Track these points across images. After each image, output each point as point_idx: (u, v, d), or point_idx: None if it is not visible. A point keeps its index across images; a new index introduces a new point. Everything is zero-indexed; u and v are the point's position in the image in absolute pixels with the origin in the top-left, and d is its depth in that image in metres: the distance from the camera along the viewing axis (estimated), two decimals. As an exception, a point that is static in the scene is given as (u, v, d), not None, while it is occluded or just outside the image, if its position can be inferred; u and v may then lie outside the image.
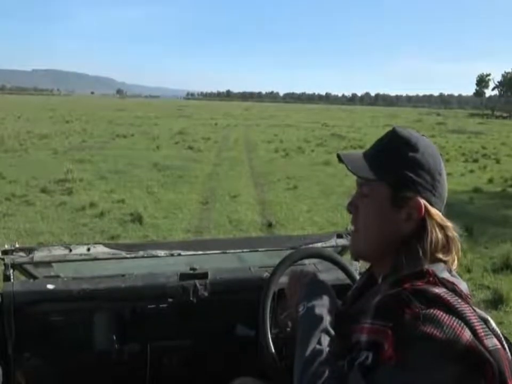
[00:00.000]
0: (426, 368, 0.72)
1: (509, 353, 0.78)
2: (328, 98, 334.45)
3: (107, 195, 8.14)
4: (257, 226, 6.52)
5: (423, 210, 0.87)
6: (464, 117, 62.95)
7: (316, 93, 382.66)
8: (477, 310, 0.79)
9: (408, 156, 0.89)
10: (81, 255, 1.64)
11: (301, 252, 1.44)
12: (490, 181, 11.00)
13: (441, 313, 0.75)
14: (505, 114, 73.42)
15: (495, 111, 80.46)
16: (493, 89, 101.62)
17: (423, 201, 0.88)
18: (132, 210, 6.96)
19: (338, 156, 0.95)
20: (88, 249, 1.66)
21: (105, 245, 1.70)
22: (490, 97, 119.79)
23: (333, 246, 1.86)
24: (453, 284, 0.83)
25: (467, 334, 0.73)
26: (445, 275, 0.85)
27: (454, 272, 0.90)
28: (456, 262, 0.90)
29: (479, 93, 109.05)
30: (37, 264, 1.71)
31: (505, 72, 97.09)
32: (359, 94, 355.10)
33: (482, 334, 0.75)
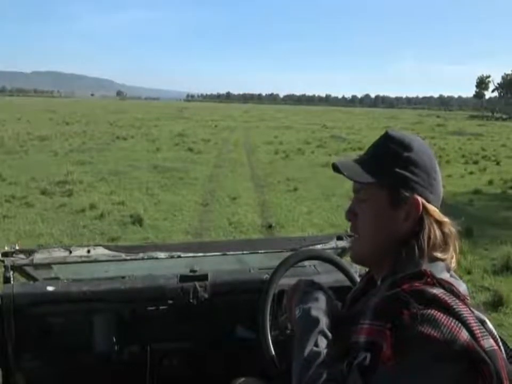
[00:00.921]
0: (424, 369, 0.73)
1: (504, 355, 0.78)
2: (328, 100, 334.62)
3: (107, 197, 8.15)
4: (257, 228, 6.53)
5: (421, 207, 0.89)
6: (464, 119, 62.99)
7: (316, 95, 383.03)
8: (474, 311, 0.80)
9: (403, 156, 0.91)
10: (81, 257, 1.65)
11: (301, 253, 1.44)
12: (490, 182, 11.00)
13: (439, 313, 0.75)
14: (505, 116, 73.44)
15: (495, 113, 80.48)
16: (493, 91, 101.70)
17: (420, 199, 0.89)
18: (132, 212, 6.97)
19: (334, 165, 0.96)
20: (88, 251, 1.66)
21: (105, 247, 1.70)
22: (490, 99, 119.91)
23: (333, 248, 1.86)
24: (450, 284, 0.83)
25: (464, 335, 0.73)
26: (444, 276, 0.86)
27: (453, 273, 0.90)
28: (454, 259, 0.91)
29: (479, 95, 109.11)
30: (37, 266, 1.71)
31: (505, 74, 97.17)
32: (359, 96, 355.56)
33: (479, 334, 0.75)
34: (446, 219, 0.91)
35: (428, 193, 0.90)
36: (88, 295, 1.61)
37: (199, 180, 10.23)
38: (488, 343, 0.75)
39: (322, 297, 1.05)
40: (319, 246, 1.80)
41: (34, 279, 1.79)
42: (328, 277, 1.70)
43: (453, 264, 0.91)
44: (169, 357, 1.72)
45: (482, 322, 0.79)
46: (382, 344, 0.76)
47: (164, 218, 6.90)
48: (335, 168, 0.96)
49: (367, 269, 1.07)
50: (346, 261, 1.59)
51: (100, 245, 1.70)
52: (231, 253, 1.79)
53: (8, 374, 1.56)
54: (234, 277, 1.79)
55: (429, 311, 0.75)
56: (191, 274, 1.73)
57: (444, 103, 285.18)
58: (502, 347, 0.79)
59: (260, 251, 1.83)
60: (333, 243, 1.86)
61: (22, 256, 1.60)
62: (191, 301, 1.67)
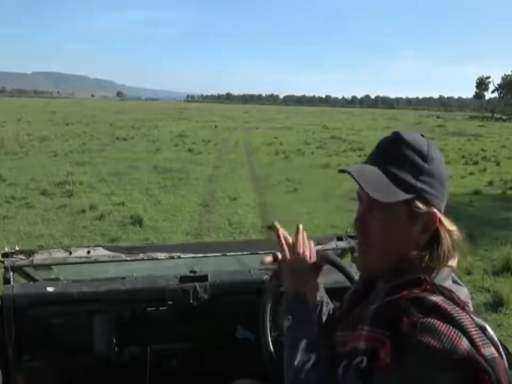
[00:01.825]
0: (423, 378, 0.72)
1: (505, 361, 0.77)
2: (328, 101, 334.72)
3: (107, 198, 8.14)
4: (257, 229, 6.52)
5: (438, 221, 0.86)
6: (464, 120, 63.01)
7: (316, 95, 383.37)
8: (475, 318, 0.78)
9: (424, 168, 0.86)
10: (81, 257, 1.65)
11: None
12: (490, 183, 11.00)
13: (439, 322, 0.74)
14: (505, 117, 73.45)
15: (495, 114, 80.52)
16: (493, 91, 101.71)
17: (437, 212, 0.86)
18: (132, 212, 6.96)
19: (349, 173, 0.87)
20: (88, 252, 1.66)
21: (105, 248, 1.70)
22: (490, 99, 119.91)
23: (333, 249, 1.86)
24: (450, 291, 0.82)
25: (464, 343, 0.72)
26: (446, 282, 0.85)
27: (455, 278, 0.90)
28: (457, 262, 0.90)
29: (479, 96, 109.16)
30: (37, 267, 1.71)
31: (505, 74, 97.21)
32: (359, 97, 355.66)
33: (480, 343, 0.74)
34: (453, 227, 0.88)
35: (442, 205, 0.88)
36: (88, 296, 1.61)
37: (199, 181, 10.23)
38: (489, 351, 0.74)
39: (309, 308, 1.04)
40: (319, 247, 1.80)
41: (34, 280, 1.79)
42: (328, 277, 1.70)
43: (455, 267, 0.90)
44: (169, 358, 1.73)
45: (483, 330, 0.78)
46: (380, 351, 0.76)
47: (164, 219, 6.90)
48: (347, 172, 0.88)
49: None
50: (346, 261, 1.60)
51: (100, 246, 1.70)
52: (231, 253, 1.79)
53: (8, 375, 1.56)
54: (234, 278, 1.79)
55: (429, 319, 0.74)
56: (191, 275, 1.73)
57: (444, 103, 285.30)
58: (503, 353, 0.78)
59: (259, 252, 1.83)
60: (333, 244, 1.86)
61: (22, 257, 1.60)
62: (191, 301, 1.67)
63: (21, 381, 1.60)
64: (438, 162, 0.88)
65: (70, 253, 1.65)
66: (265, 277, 1.67)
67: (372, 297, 0.92)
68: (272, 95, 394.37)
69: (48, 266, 1.78)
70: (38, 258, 1.61)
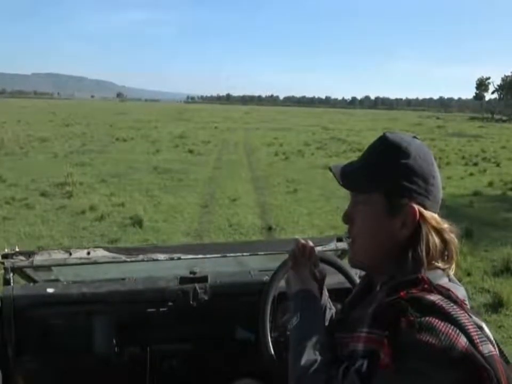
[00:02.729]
0: (423, 376, 0.72)
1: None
2: (328, 102, 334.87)
3: (107, 198, 8.15)
4: (257, 230, 6.52)
5: (418, 216, 0.87)
6: (464, 120, 63.03)
7: (316, 96, 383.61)
8: (472, 316, 0.79)
9: (400, 163, 0.88)
10: (81, 258, 1.65)
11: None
12: (490, 184, 11.02)
13: (437, 320, 0.74)
14: (505, 118, 73.48)
15: (495, 115, 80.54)
16: (493, 92, 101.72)
17: (417, 207, 0.87)
18: (132, 213, 6.96)
19: (330, 170, 0.97)
20: (88, 253, 1.66)
21: (105, 249, 1.70)
22: (490, 100, 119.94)
23: (333, 250, 1.86)
24: (448, 290, 0.82)
25: (463, 341, 0.73)
26: (442, 281, 0.85)
27: (452, 276, 0.90)
28: (453, 266, 0.90)
29: (479, 97, 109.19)
30: (37, 268, 1.71)
31: (505, 75, 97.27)
32: (358, 98, 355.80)
33: (478, 340, 0.74)
34: (445, 225, 0.89)
35: (426, 200, 0.88)
36: (88, 297, 1.61)
37: (199, 182, 10.24)
38: (487, 348, 0.75)
39: (319, 306, 1.06)
40: (319, 248, 1.80)
41: (34, 281, 1.79)
42: (328, 278, 1.69)
43: (452, 271, 0.90)
44: (169, 359, 1.72)
45: (480, 328, 0.78)
46: (380, 352, 0.76)
47: (163, 220, 6.90)
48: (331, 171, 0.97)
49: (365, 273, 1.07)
50: (346, 262, 1.60)
51: (100, 247, 1.70)
52: (231, 254, 1.79)
53: (8, 376, 1.56)
54: (234, 279, 1.79)
55: (427, 318, 0.75)
56: (191, 276, 1.73)
57: (444, 104, 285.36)
58: (499, 351, 0.79)
59: (259, 253, 1.83)
60: (333, 245, 1.86)
61: (22, 258, 1.60)
62: (191, 302, 1.67)
63: (20, 382, 1.59)
64: (420, 160, 0.90)
65: (70, 254, 1.65)
66: (265, 278, 1.67)
67: (371, 298, 0.92)
68: (272, 96, 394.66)
69: (48, 267, 1.78)
70: (38, 259, 1.61)
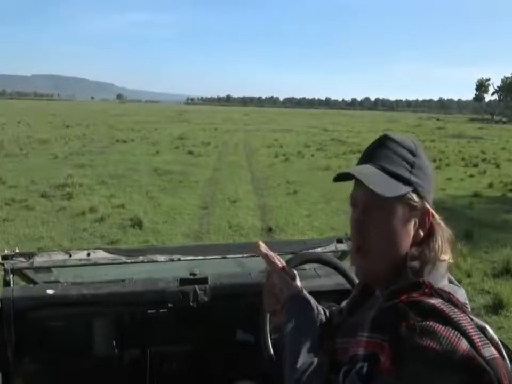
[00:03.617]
0: (423, 381, 0.72)
1: (508, 362, 0.77)
2: (328, 103, 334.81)
3: (107, 200, 8.14)
4: (257, 231, 6.52)
5: (431, 215, 0.88)
6: (463, 122, 63.06)
7: (316, 98, 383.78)
8: (474, 318, 0.79)
9: (415, 163, 0.89)
10: (81, 260, 1.64)
11: (300, 256, 1.44)
12: (490, 185, 11.02)
13: (437, 324, 0.74)
14: (504, 119, 73.54)
15: (495, 116, 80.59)
16: (493, 94, 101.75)
17: (428, 206, 0.88)
18: (132, 215, 6.96)
19: (349, 175, 0.89)
20: (88, 254, 1.66)
21: (105, 250, 1.70)
22: (489, 102, 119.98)
23: (333, 251, 1.86)
24: (448, 293, 0.82)
25: (464, 345, 0.72)
26: (443, 284, 0.85)
27: (452, 279, 0.90)
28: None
29: (478, 98, 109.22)
30: (37, 269, 1.71)
31: (504, 77, 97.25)
32: (358, 99, 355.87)
33: (479, 343, 0.74)
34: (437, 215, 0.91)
35: (431, 198, 0.90)
36: (88, 299, 1.61)
37: (199, 183, 10.23)
38: (489, 351, 0.74)
39: (313, 309, 1.05)
40: (319, 249, 1.80)
41: (34, 282, 1.79)
42: (328, 280, 1.70)
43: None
44: (169, 360, 1.72)
45: (483, 330, 0.77)
46: (380, 356, 0.76)
47: (163, 221, 6.90)
48: (347, 176, 0.90)
49: None
50: (346, 264, 1.60)
51: (100, 248, 1.70)
52: (231, 256, 1.79)
53: (8, 377, 1.56)
54: (234, 280, 1.79)
55: (427, 322, 0.74)
56: (191, 277, 1.73)
57: (444, 106, 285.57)
58: (504, 353, 0.78)
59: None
60: (333, 246, 1.86)
61: (22, 259, 1.60)
62: (191, 304, 1.67)
63: (20, 383, 1.59)
64: (425, 159, 0.92)
65: (70, 255, 1.65)
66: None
67: (371, 303, 0.92)
68: (272, 97, 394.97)
69: (48, 269, 1.77)
70: (38, 260, 1.61)
